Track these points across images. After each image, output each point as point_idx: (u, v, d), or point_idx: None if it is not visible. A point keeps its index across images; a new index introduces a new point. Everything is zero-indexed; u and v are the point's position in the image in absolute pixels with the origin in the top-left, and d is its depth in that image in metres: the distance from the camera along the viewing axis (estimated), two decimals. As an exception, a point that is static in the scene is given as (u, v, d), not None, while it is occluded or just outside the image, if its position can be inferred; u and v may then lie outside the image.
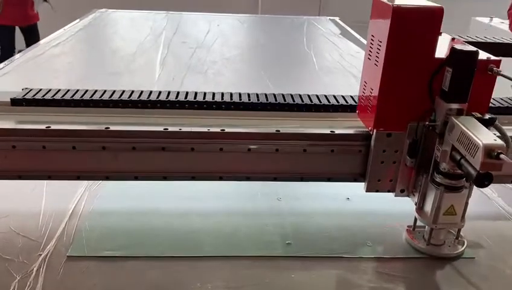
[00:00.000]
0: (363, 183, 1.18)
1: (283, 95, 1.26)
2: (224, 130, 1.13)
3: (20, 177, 1.14)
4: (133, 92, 1.23)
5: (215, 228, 1.22)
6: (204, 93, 1.25)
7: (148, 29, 3.13)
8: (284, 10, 3.49)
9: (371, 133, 1.12)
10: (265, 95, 1.26)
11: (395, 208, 1.27)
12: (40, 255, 1.10)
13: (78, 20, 3.26)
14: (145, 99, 1.21)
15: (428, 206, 1.11)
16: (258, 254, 1.14)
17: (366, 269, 1.11)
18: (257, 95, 1.25)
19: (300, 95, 1.27)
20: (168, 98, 1.21)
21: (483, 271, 1.12)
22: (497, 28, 3.27)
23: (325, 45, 2.96)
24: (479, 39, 1.28)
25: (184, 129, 1.12)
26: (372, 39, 1.09)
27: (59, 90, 1.23)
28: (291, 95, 1.26)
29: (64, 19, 3.26)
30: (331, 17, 3.58)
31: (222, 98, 1.23)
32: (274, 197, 1.36)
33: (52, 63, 2.44)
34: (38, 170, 1.13)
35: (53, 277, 1.04)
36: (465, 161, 0.96)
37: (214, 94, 1.24)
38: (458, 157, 0.99)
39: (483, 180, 0.91)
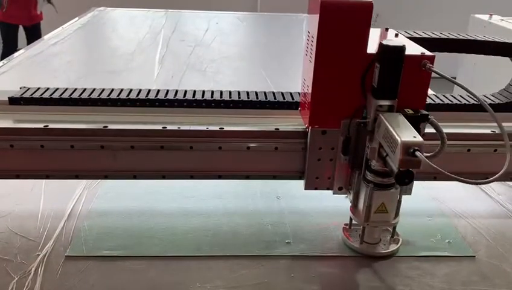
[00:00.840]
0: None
1: (282, 93, 1.26)
2: (223, 128, 1.13)
3: (18, 177, 1.15)
4: (131, 90, 1.24)
5: (214, 228, 1.23)
6: (203, 92, 1.25)
7: (147, 28, 3.14)
8: (283, 8, 3.49)
9: (307, 130, 1.11)
10: (265, 93, 1.26)
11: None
12: (39, 255, 1.11)
13: (76, 19, 3.27)
14: (144, 97, 1.21)
15: (361, 204, 1.11)
16: (257, 254, 1.15)
17: (366, 268, 1.12)
18: (256, 93, 1.26)
19: (299, 93, 1.27)
20: (167, 97, 1.22)
21: (484, 269, 1.13)
22: (496, 25, 3.26)
23: None
24: (433, 35, 1.23)
25: (183, 128, 1.13)
26: (308, 35, 1.08)
27: (57, 89, 1.23)
28: (291, 93, 1.26)
29: (63, 17, 3.29)
30: None
31: (221, 97, 1.23)
32: (273, 196, 1.37)
33: (50, 62, 2.45)
34: (36, 169, 1.14)
35: (51, 277, 1.05)
36: (389, 159, 0.96)
37: (212, 92, 1.25)
38: (384, 154, 0.98)
39: (403, 177, 0.91)
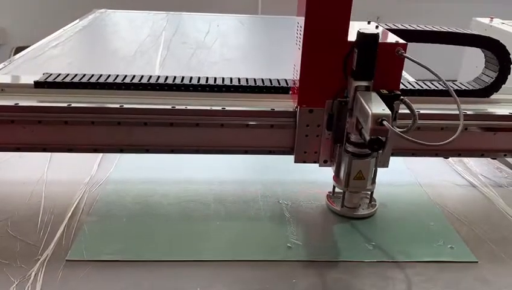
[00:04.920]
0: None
1: (278, 80, 1.52)
2: (224, 108, 1.38)
3: (44, 150, 1.40)
4: (142, 76, 1.49)
5: (215, 232, 1.31)
6: (207, 78, 1.50)
7: (148, 30, 3.31)
8: (284, 11, 3.68)
9: (296, 110, 1.36)
10: (262, 79, 1.52)
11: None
12: (39, 259, 1.17)
13: (77, 21, 3.44)
14: (154, 82, 1.46)
15: (342, 173, 1.37)
16: (258, 259, 1.22)
17: (369, 273, 1.19)
18: (254, 79, 1.51)
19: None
20: (174, 82, 1.47)
21: (487, 275, 1.19)
22: (497, 28, 3.48)
23: None
24: (410, 27, 1.46)
25: (190, 107, 1.38)
26: (297, 25, 1.34)
27: (76, 74, 1.49)
28: (285, 80, 1.52)
29: (64, 19, 3.47)
30: None
31: (223, 82, 1.49)
32: (274, 200, 1.47)
33: (51, 64, 2.59)
34: (60, 143, 1.38)
35: (52, 282, 1.10)
36: (363, 130, 1.21)
37: (215, 79, 1.50)
38: (360, 126, 1.23)
39: (373, 144, 1.16)
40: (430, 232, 1.36)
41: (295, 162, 1.41)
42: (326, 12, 1.24)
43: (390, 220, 1.41)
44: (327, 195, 1.47)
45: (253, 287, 1.13)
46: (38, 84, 1.45)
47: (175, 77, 1.49)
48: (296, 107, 1.35)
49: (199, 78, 1.50)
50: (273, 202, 1.47)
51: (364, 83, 1.25)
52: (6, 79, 1.52)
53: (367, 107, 1.16)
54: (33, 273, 1.12)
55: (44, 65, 2.56)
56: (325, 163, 1.41)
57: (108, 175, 1.57)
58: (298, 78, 1.33)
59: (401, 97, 1.24)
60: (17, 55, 2.72)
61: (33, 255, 1.19)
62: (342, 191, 1.40)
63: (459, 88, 1.53)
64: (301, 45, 1.28)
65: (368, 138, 1.16)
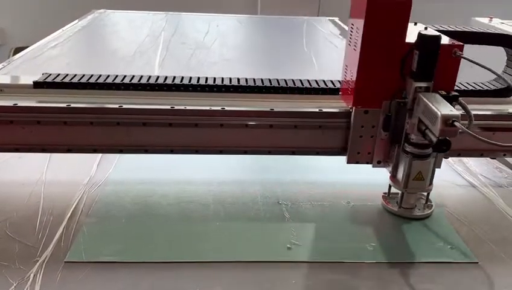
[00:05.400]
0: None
1: (277, 80, 1.52)
2: (224, 108, 1.38)
3: (44, 150, 1.40)
4: (141, 76, 1.49)
5: (214, 233, 1.31)
6: (206, 78, 1.51)
7: (147, 30, 3.29)
8: (283, 11, 3.68)
9: (351, 110, 1.37)
10: (261, 79, 1.52)
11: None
12: (37, 260, 1.16)
13: (76, 21, 3.43)
14: (153, 82, 1.47)
15: (400, 174, 1.38)
16: (258, 259, 1.22)
17: (369, 274, 1.19)
18: (254, 79, 1.52)
19: (293, 80, 1.53)
20: (174, 82, 1.47)
21: (487, 276, 1.20)
22: (497, 28, 3.49)
23: (325, 46, 3.13)
24: (450, 28, 1.50)
25: (189, 107, 1.38)
26: (351, 28, 1.37)
27: (75, 75, 1.49)
28: (285, 80, 1.52)
29: (63, 19, 3.46)
30: (331, 18, 3.74)
31: (222, 82, 1.49)
32: (274, 201, 1.46)
33: (50, 65, 2.55)
34: (59, 143, 1.39)
35: (50, 283, 1.10)
36: (428, 131, 1.22)
37: (214, 78, 1.51)
38: (423, 127, 1.24)
39: (441, 145, 1.17)
40: (429, 233, 1.36)
41: (348, 162, 1.42)
42: (386, 14, 1.26)
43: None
44: (382, 196, 1.47)
45: (252, 288, 1.13)
46: (37, 85, 1.46)
47: (174, 77, 1.50)
48: (351, 107, 1.37)
49: (198, 78, 1.50)
50: (272, 202, 1.46)
51: (424, 84, 1.26)
52: (5, 79, 1.53)
53: (434, 108, 1.17)
54: (32, 275, 1.12)
55: (44, 65, 2.54)
56: (378, 164, 1.43)
57: (107, 176, 1.57)
58: (351, 78, 1.36)
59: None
60: (16, 56, 2.68)
61: (32, 256, 1.18)
62: (398, 191, 1.42)
63: (481, 88, 1.56)
64: (359, 46, 1.30)
65: (435, 139, 1.17)
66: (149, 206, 1.42)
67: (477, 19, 3.79)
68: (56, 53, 2.78)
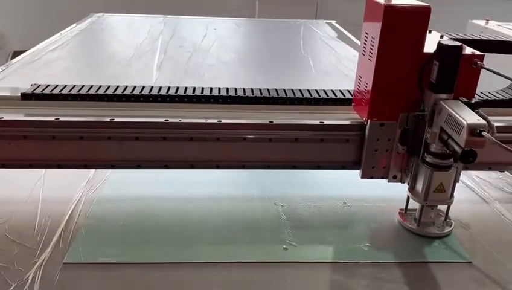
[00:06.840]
0: (358, 171, 1.32)
1: (276, 90, 1.41)
2: (220, 121, 1.28)
3: (31, 166, 1.29)
4: (135, 87, 1.39)
5: (211, 234, 1.28)
6: (202, 88, 1.40)
7: (145, 33, 3.24)
8: (281, 14, 3.60)
9: (365, 123, 1.26)
10: (260, 89, 1.41)
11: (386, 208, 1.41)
12: (36, 262, 1.14)
13: (75, 25, 3.37)
14: (147, 93, 1.36)
15: (419, 185, 1.26)
16: (254, 260, 1.20)
17: (364, 274, 1.16)
18: (252, 89, 1.41)
19: (292, 90, 1.42)
20: (168, 93, 1.37)
21: (481, 275, 1.18)
22: (493, 30, 3.40)
23: (322, 49, 3.07)
24: (466, 36, 1.43)
25: (184, 120, 1.27)
26: (366, 36, 1.24)
27: (66, 85, 1.38)
28: (284, 90, 1.41)
29: (61, 23, 3.39)
30: (328, 21, 3.68)
31: (219, 93, 1.38)
32: (271, 202, 1.43)
33: (48, 68, 2.52)
34: (48, 159, 1.28)
35: (49, 284, 1.08)
36: (452, 140, 1.10)
37: (211, 89, 1.40)
38: (446, 137, 1.13)
39: (468, 156, 1.05)
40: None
41: (362, 177, 1.32)
42: (404, 23, 1.16)
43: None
44: (399, 212, 1.36)
45: (249, 289, 1.12)
46: (25, 97, 1.34)
47: (169, 88, 1.39)
48: (366, 120, 1.26)
49: (194, 88, 1.40)
50: (269, 204, 1.42)
51: (444, 96, 1.16)
52: (-8, 91, 1.40)
53: (459, 117, 1.06)
54: (30, 276, 1.10)
55: (42, 69, 2.50)
56: (394, 178, 1.32)
57: (105, 178, 1.51)
58: (365, 89, 1.25)
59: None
60: (15, 60, 2.66)
61: (30, 258, 1.16)
62: (416, 208, 1.31)
63: (496, 98, 1.44)
64: (374, 56, 1.19)
65: (459, 150, 1.07)
66: (146, 207, 1.39)
67: (474, 21, 3.69)
68: (54, 57, 2.73)
